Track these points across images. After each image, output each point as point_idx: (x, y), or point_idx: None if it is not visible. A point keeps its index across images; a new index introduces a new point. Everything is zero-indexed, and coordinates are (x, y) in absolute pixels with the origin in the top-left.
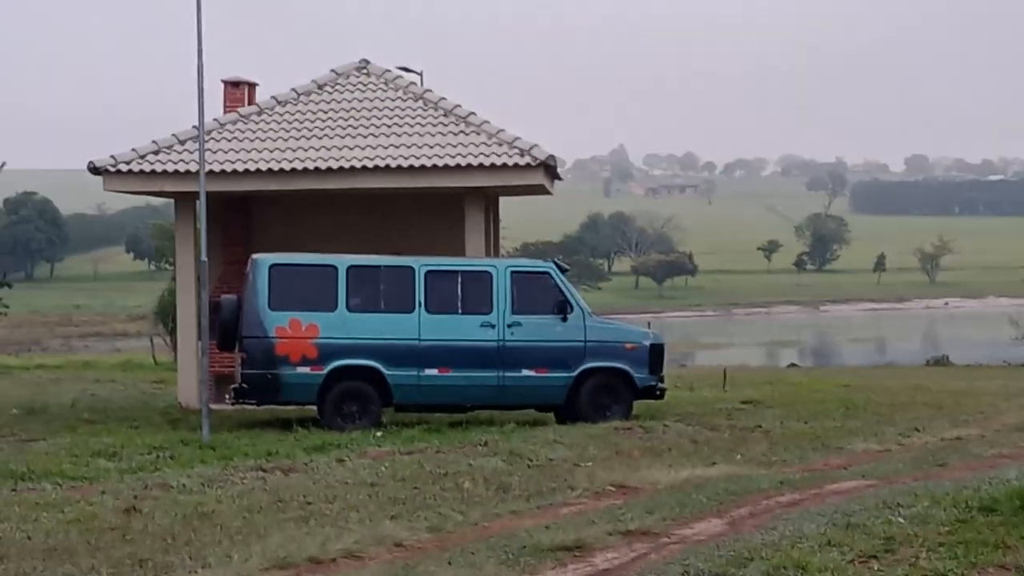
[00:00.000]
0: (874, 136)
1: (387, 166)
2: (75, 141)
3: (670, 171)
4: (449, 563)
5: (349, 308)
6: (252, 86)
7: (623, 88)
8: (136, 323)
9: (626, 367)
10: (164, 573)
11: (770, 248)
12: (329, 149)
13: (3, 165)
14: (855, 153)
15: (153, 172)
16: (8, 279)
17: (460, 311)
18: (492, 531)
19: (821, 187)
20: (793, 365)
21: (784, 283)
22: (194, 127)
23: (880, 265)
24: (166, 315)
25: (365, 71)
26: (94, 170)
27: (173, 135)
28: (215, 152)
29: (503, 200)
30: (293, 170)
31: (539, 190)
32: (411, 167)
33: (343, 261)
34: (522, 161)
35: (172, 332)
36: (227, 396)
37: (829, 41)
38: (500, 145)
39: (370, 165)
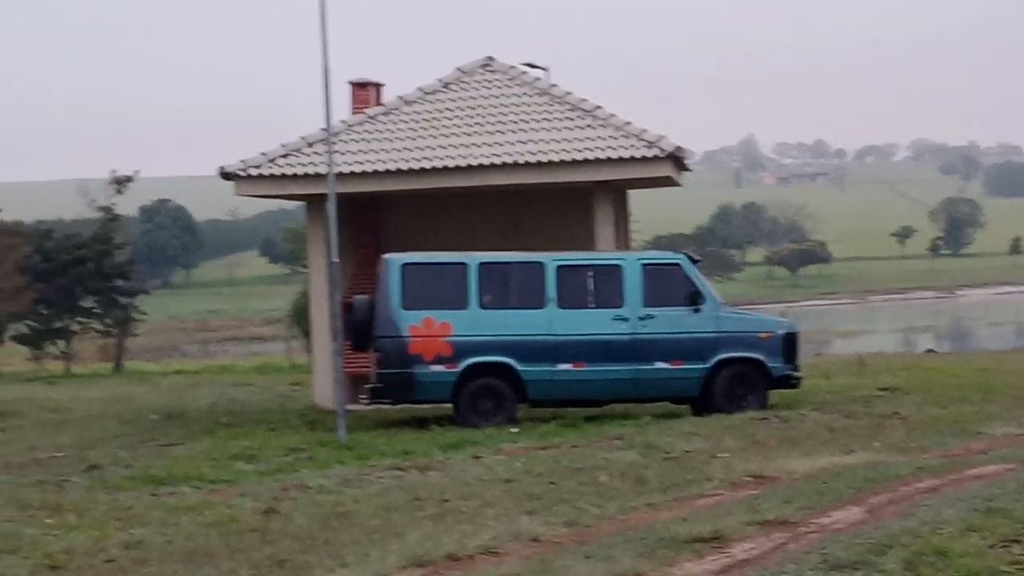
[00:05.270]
0: (1007, 118)
1: (515, 162)
2: (207, 147)
3: (801, 159)
4: (586, 557)
5: (481, 305)
6: (379, 87)
7: (752, 77)
8: (272, 326)
9: (761, 357)
10: (303, 573)
11: (904, 234)
12: (457, 147)
13: (136, 173)
14: (988, 136)
15: (283, 176)
16: (145, 286)
17: (592, 305)
18: (629, 524)
19: (954, 171)
20: (930, 350)
21: (919, 268)
22: (322, 129)
23: (1016, 248)
24: (301, 317)
25: (490, 68)
26: (225, 175)
27: (302, 138)
28: (343, 154)
29: (635, 194)
30: (422, 169)
31: (667, 182)
32: (539, 163)
33: (474, 258)
34: (650, 153)
35: (308, 334)
36: (361, 396)
37: (959, 23)
38: (627, 138)
39: (498, 162)
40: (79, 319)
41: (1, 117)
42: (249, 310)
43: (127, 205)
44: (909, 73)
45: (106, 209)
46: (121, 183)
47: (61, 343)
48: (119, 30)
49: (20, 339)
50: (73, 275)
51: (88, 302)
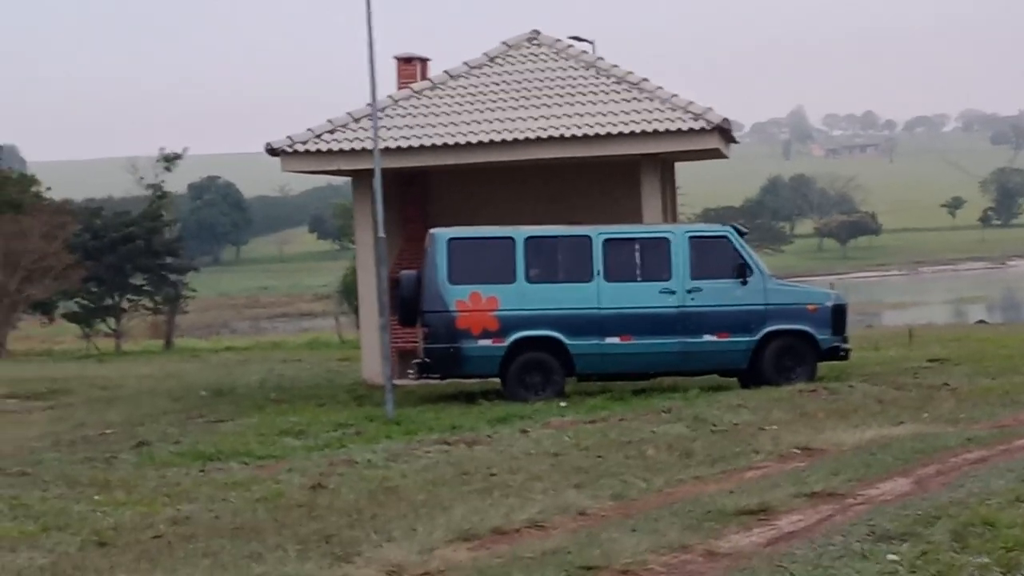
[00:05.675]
0: None
1: (561, 136)
2: (256, 124)
3: (850, 131)
4: (633, 530)
5: (528, 279)
6: (424, 61)
7: (800, 48)
8: (322, 302)
9: (809, 329)
10: (349, 548)
11: (954, 204)
12: (503, 121)
13: (185, 150)
14: None
15: (329, 151)
16: (195, 263)
17: (639, 278)
18: (676, 497)
19: (1005, 141)
20: (981, 321)
21: (970, 239)
22: (368, 105)
23: None
24: (351, 293)
25: (536, 42)
26: (271, 151)
27: (348, 113)
28: (389, 129)
29: (684, 167)
30: (468, 144)
31: (714, 154)
32: (585, 136)
33: (521, 233)
34: (696, 125)
35: (357, 310)
36: (409, 371)
37: None
38: (674, 110)
39: (544, 136)
40: (129, 296)
41: (51, 96)
42: (299, 286)
43: (176, 182)
44: (959, 42)
45: (155, 186)
46: (170, 160)
47: (111, 321)
48: (166, 7)
49: (71, 317)
50: (123, 252)
51: (138, 279)
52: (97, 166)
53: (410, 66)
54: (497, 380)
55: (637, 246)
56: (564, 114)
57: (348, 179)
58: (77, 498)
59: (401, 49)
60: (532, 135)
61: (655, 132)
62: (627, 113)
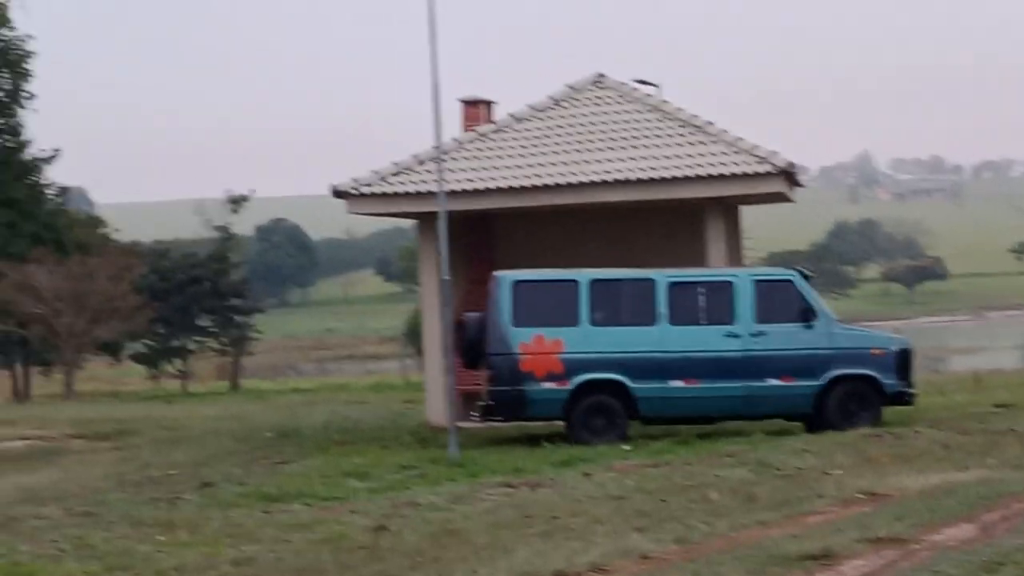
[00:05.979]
0: None
1: (626, 179)
2: (322, 166)
3: (917, 175)
4: (694, 574)
5: (592, 322)
6: (489, 104)
7: (868, 93)
8: (387, 344)
9: (874, 373)
10: None
11: (1021, 249)
12: (568, 164)
13: (252, 192)
14: None
15: (394, 194)
16: (261, 305)
17: (704, 322)
18: (738, 541)
19: None
20: None
21: None
22: (433, 147)
23: None
24: (416, 335)
25: (601, 85)
26: (337, 193)
27: (413, 156)
28: (454, 171)
29: (750, 211)
30: (533, 187)
31: (780, 198)
32: (650, 179)
33: (585, 276)
34: (761, 169)
35: (422, 352)
36: (473, 414)
37: None
38: (739, 153)
39: (609, 179)
40: (196, 338)
41: (120, 138)
42: (365, 328)
43: (243, 224)
44: None
45: (222, 228)
46: (237, 202)
47: (178, 362)
48: (232, 52)
49: (138, 358)
50: (190, 294)
51: (204, 321)
52: (165, 208)
53: (475, 109)
54: (561, 423)
55: (701, 289)
56: (629, 157)
57: (413, 221)
58: (141, 538)
59: (466, 91)
60: (597, 178)
61: (720, 176)
62: (692, 156)
